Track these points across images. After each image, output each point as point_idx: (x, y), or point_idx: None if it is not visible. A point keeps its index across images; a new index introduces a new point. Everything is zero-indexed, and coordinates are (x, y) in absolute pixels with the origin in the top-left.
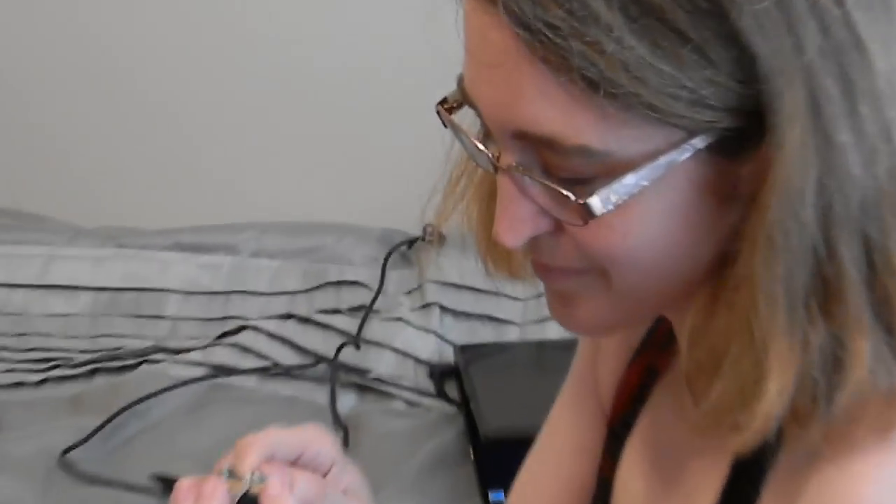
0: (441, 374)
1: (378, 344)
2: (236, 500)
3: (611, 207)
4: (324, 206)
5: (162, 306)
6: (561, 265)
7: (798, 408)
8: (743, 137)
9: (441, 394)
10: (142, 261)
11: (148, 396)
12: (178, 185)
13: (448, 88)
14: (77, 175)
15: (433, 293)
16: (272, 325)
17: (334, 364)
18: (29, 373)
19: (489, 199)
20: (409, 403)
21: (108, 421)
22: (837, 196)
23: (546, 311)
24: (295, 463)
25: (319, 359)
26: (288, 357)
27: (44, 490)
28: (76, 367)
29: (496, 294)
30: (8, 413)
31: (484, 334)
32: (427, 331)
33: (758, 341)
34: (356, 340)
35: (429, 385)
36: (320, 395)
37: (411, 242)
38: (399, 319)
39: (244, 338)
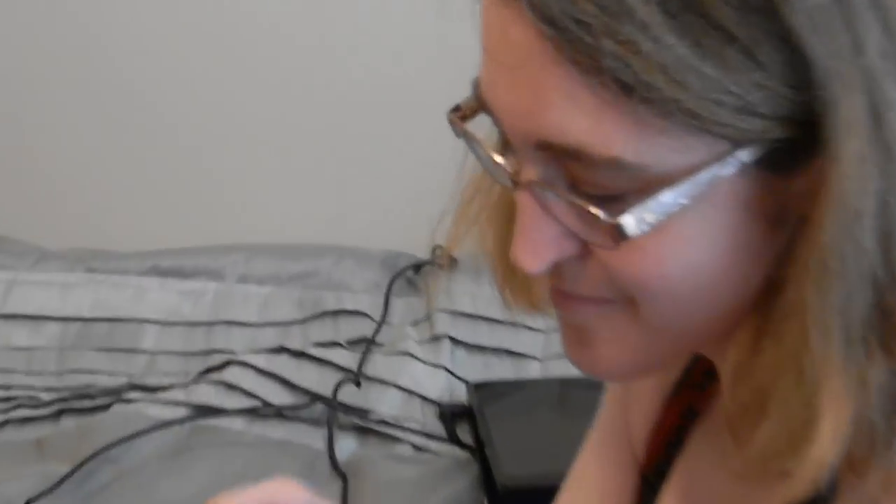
0: (452, 416)
1: (381, 381)
2: None
3: (645, 228)
4: (319, 226)
5: (138, 338)
6: (585, 294)
7: (854, 454)
8: (794, 150)
9: (452, 437)
10: (115, 287)
11: (122, 440)
12: (156, 203)
13: (461, 93)
14: (43, 191)
15: (443, 324)
16: (262, 360)
17: (332, 404)
18: None
19: (507, 220)
20: (417, 448)
21: (78, 468)
22: None
23: None
24: None
25: (315, 398)
26: (279, 396)
27: None
28: (41, 407)
29: (514, 325)
30: None
31: (500, 370)
32: (436, 366)
33: (809, 379)
34: (356, 377)
35: (438, 427)
36: (316, 438)
37: (418, 266)
38: (405, 353)
39: (230, 374)
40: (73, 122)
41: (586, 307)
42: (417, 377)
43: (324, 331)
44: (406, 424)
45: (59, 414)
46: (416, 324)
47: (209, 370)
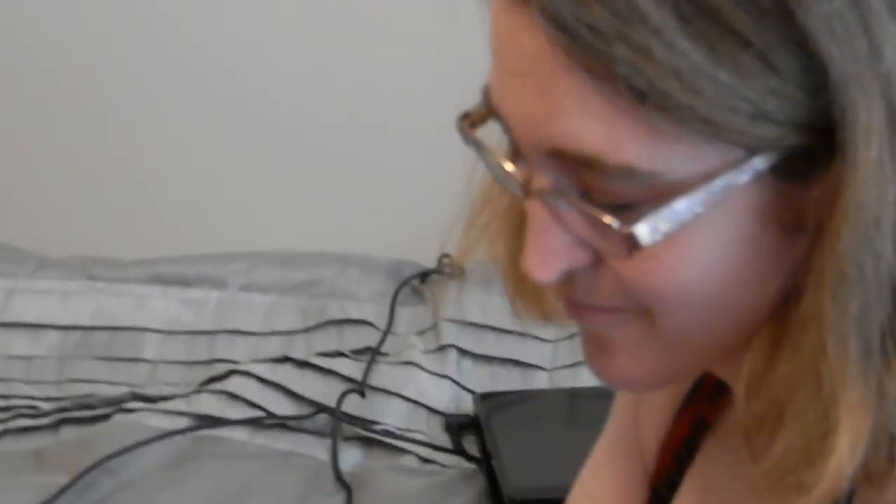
0: (459, 427)
1: (386, 391)
2: None
3: (659, 237)
4: (324, 234)
5: (139, 348)
6: (598, 304)
7: (872, 466)
8: (810, 157)
9: (459, 449)
10: (116, 295)
11: (122, 451)
12: (157, 210)
13: (471, 100)
14: (42, 197)
15: (449, 333)
16: (265, 370)
17: (336, 414)
18: None
19: (517, 229)
20: (422, 460)
21: (77, 479)
22: None
23: (579, 355)
24: None
25: (319, 408)
26: (283, 406)
27: None
28: (40, 417)
29: (522, 335)
30: None
31: (508, 381)
32: (442, 376)
33: (826, 390)
34: (361, 387)
35: (445, 439)
36: (320, 449)
37: (424, 275)
38: (410, 363)
39: (233, 384)
40: (73, 129)
41: (601, 317)
42: (423, 387)
43: (328, 340)
44: (411, 435)
45: (58, 424)
46: (421, 333)
47: (211, 380)
